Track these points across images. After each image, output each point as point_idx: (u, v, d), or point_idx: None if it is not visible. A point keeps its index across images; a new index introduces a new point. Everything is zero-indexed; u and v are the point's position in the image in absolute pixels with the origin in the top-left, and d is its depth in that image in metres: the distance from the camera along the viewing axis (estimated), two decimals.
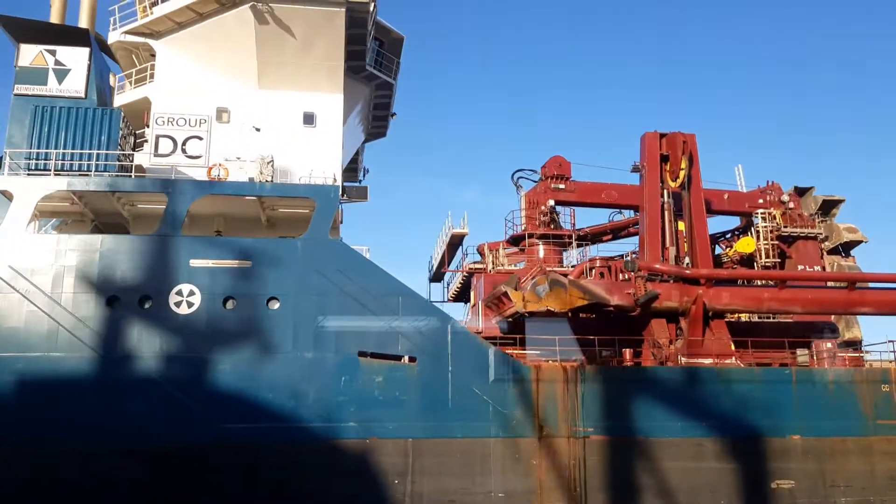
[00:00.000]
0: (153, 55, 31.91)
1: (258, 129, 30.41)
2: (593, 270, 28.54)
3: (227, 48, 30.56)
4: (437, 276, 37.96)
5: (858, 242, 35.11)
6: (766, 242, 34.41)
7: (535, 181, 35.13)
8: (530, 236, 33.25)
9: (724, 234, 38.08)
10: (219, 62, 30.95)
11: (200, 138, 29.94)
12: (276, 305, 24.70)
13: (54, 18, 34.17)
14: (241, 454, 23.00)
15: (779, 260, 34.24)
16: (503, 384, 25.15)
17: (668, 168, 31.02)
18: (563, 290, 26.44)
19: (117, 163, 26.62)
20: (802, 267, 34.12)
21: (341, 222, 30.78)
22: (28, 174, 25.63)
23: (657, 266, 28.79)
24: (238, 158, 28.76)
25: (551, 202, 33.91)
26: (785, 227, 34.66)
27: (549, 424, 25.00)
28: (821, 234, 34.74)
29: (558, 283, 26.54)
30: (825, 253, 35.47)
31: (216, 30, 30.24)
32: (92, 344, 23.35)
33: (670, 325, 29.00)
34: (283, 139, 30.97)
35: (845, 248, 35.10)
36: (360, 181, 48.08)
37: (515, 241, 34.17)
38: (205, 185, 26.02)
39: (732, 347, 28.93)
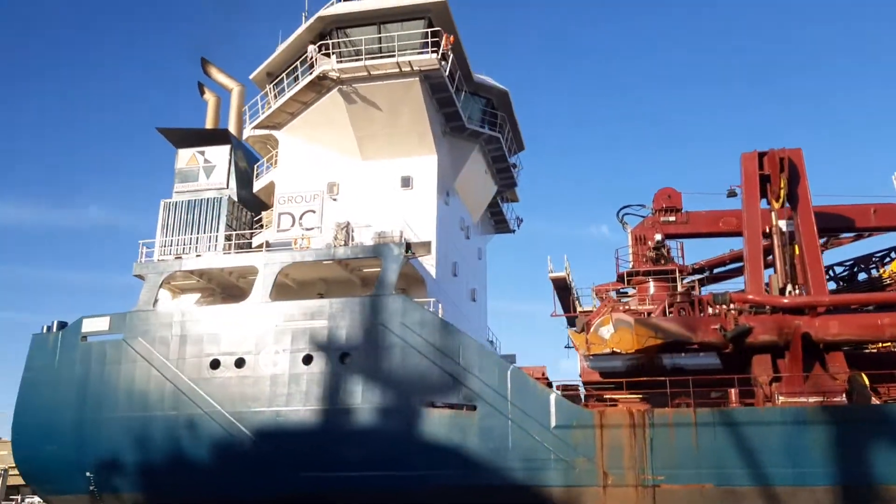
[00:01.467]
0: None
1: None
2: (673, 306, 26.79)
3: (330, 128, 33.96)
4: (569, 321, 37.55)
5: None
6: None
7: (642, 216, 33.78)
8: (634, 274, 31.93)
9: (885, 252, 33.33)
10: (327, 142, 34.43)
11: (314, 211, 33.54)
12: (347, 360, 26.67)
13: (209, 120, 40.47)
14: None
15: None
16: (566, 430, 24.57)
17: (771, 189, 28.42)
18: (628, 330, 25.29)
19: (224, 242, 30.73)
20: None
21: (431, 272, 31.96)
22: (158, 260, 30.65)
23: (749, 296, 26.32)
24: (316, 228, 31.62)
25: (658, 236, 32.33)
26: None
27: (615, 472, 23.84)
28: None
29: (624, 322, 25.45)
30: None
31: (318, 114, 33.82)
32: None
33: (781, 360, 26.22)
34: (385, 203, 33.39)
35: None
36: (514, 231, 49.50)
37: (624, 279, 32.97)
38: (286, 255, 29.07)
39: (866, 382, 25.38)
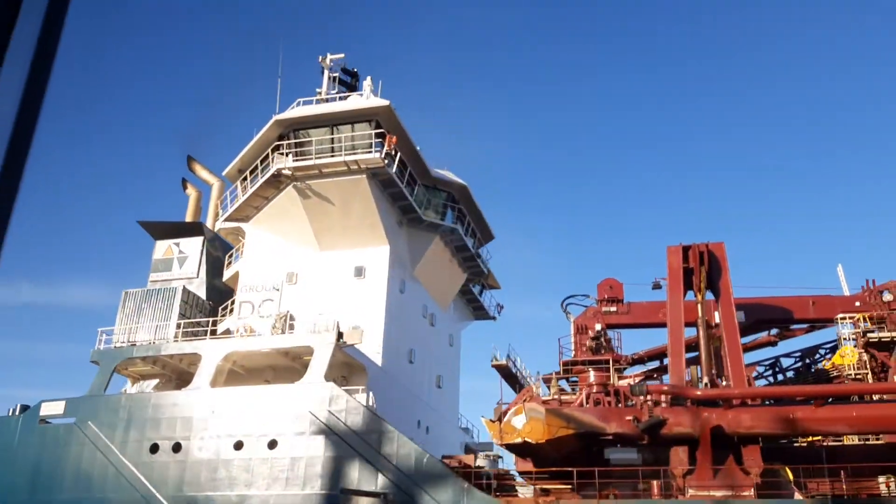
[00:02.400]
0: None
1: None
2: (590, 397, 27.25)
3: (289, 221, 35.93)
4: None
5: None
6: (851, 351, 29.62)
7: (586, 306, 34.51)
8: (574, 364, 32.44)
9: (833, 344, 33.30)
10: (287, 233, 36.35)
11: (272, 300, 35.16)
12: (276, 446, 27.61)
13: (190, 213, 42.93)
14: None
15: (866, 371, 29.12)
16: None
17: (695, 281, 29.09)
18: (540, 420, 25.80)
19: (176, 329, 32.38)
20: None
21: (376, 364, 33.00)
22: (115, 347, 32.38)
23: (664, 388, 26.71)
24: (262, 316, 33.10)
25: (598, 326, 32.96)
26: (874, 331, 29.61)
27: None
28: None
29: (535, 412, 26.00)
30: None
31: (278, 208, 35.89)
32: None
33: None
34: (339, 292, 34.87)
35: None
36: (494, 317, 50.50)
37: (567, 367, 33.47)
38: (227, 343, 30.51)
39: (790, 476, 25.34)
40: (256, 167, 36.01)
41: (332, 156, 33.41)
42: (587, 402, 27.44)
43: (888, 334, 29.38)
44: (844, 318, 30.43)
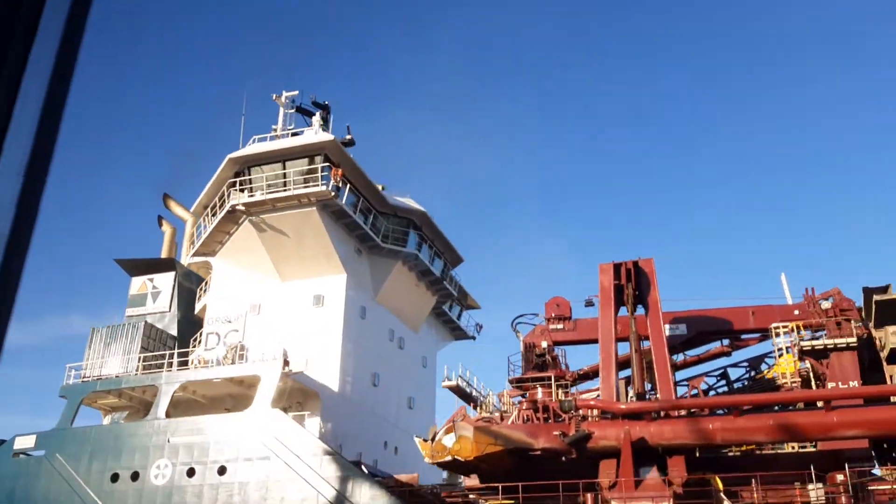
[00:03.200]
0: None
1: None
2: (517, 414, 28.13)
3: (250, 254, 37.47)
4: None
5: None
6: (787, 360, 30.10)
7: (535, 324, 35.38)
8: (521, 381, 33.31)
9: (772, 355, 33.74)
10: (250, 266, 37.87)
11: (237, 331, 36.67)
12: (226, 472, 28.92)
13: (165, 249, 44.72)
14: None
15: (800, 379, 29.55)
16: None
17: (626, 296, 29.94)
18: (468, 438, 26.76)
19: (139, 363, 33.94)
20: (834, 384, 28.96)
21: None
22: (82, 381, 34.03)
23: (590, 402, 27.54)
24: (227, 347, 34.53)
25: (544, 343, 33.82)
26: (807, 339, 30.05)
27: None
28: (852, 342, 29.33)
29: (464, 430, 26.96)
30: (885, 363, 29.68)
31: (239, 242, 37.47)
32: None
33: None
34: (300, 321, 36.24)
35: None
36: (473, 337, 51.54)
37: (517, 384, 34.32)
38: (180, 374, 31.99)
39: (720, 486, 25.98)
40: (215, 203, 37.63)
41: (284, 190, 34.87)
42: (518, 420, 28.32)
43: (820, 342, 29.81)
44: (778, 328, 30.91)
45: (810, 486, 25.77)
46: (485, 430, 27.11)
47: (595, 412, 28.05)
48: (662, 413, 26.88)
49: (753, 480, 24.74)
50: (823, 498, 25.51)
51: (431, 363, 47.16)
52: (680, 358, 36.30)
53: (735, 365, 34.79)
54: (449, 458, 26.80)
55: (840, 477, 25.49)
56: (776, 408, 27.32)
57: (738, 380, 34.75)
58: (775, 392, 28.79)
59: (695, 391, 34.06)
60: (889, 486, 25.69)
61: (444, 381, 34.64)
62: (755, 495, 25.84)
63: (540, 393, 32.47)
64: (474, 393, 35.57)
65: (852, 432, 24.79)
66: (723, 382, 35.13)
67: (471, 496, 30.08)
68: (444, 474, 36.82)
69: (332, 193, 34.29)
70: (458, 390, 34.70)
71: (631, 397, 28.18)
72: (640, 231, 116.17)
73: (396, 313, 41.74)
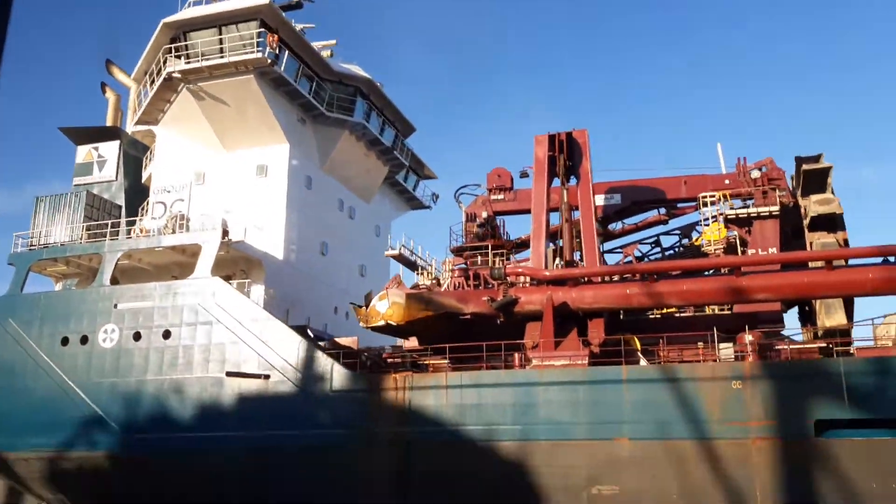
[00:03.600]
0: None
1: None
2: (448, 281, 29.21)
3: (191, 123, 37.15)
4: None
5: (832, 216, 29.88)
6: (714, 229, 31.12)
7: (477, 195, 35.98)
8: (462, 250, 34.28)
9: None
10: (192, 135, 37.64)
11: (183, 200, 36.92)
12: (170, 336, 30.11)
13: (110, 117, 44.07)
14: None
15: (723, 247, 30.71)
16: (344, 394, 27.54)
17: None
18: (400, 304, 27.89)
19: (83, 232, 34.36)
20: (754, 251, 30.17)
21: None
22: (28, 250, 34.51)
23: (518, 269, 28.62)
24: (154, 218, 34.98)
25: (485, 213, 34.55)
26: (733, 208, 30.98)
27: (381, 430, 26.72)
28: (774, 210, 30.28)
29: (397, 296, 28.06)
30: (807, 231, 30.82)
31: (179, 110, 37.04)
32: None
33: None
34: (244, 191, 36.54)
35: (819, 224, 30.13)
36: (429, 207, 52.16)
37: (459, 252, 35.32)
38: (122, 243, 32.54)
39: (637, 345, 27.52)
40: (153, 71, 36.86)
41: (220, 57, 34.16)
42: (451, 287, 29.44)
43: (744, 211, 30.76)
44: (706, 197, 31.73)
45: (722, 346, 27.37)
46: (416, 297, 28.23)
47: (524, 279, 29.20)
48: (585, 279, 28.03)
49: (661, 340, 26.19)
50: (732, 356, 27.12)
51: (385, 232, 47.95)
52: (619, 226, 37.35)
53: (668, 233, 35.93)
54: (382, 322, 28.01)
55: (749, 337, 27.07)
56: (707, 273, 28.31)
57: (671, 247, 35.99)
58: (699, 259, 29.89)
59: (628, 258, 35.30)
60: (796, 346, 27.37)
61: (387, 251, 35.53)
62: (665, 354, 27.47)
63: (481, 261, 33.56)
64: (419, 261, 36.57)
65: (760, 296, 26.10)
66: (657, 250, 36.40)
67: (412, 356, 31.55)
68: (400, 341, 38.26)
69: (269, 61, 33.66)
70: (401, 259, 35.67)
71: (559, 264, 29.23)
72: (586, 104, 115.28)
73: (346, 183, 42.02)
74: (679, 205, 36.03)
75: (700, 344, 26.26)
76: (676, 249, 35.72)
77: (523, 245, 35.46)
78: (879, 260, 25.48)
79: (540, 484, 24.55)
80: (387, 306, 28.11)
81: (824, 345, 26.93)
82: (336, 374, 27.83)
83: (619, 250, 36.03)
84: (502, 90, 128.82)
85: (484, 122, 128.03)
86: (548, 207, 30.20)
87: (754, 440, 23.01)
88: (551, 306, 27.24)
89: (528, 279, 29.12)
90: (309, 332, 32.37)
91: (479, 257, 34.04)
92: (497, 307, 28.09)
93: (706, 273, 28.79)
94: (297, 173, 37.11)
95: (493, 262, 32.32)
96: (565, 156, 29.79)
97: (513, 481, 24.77)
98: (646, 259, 35.86)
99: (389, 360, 31.32)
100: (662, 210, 36.37)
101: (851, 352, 25.85)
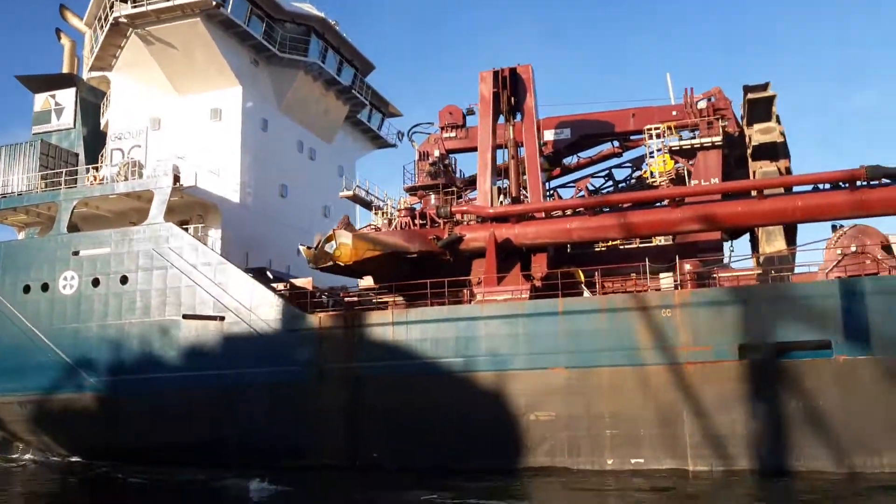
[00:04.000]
0: None
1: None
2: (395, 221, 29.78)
3: (143, 68, 37.02)
4: None
5: (773, 144, 30.33)
6: (658, 161, 31.58)
7: (430, 133, 36.19)
8: (415, 189, 34.67)
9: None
10: (146, 81, 37.54)
11: (140, 146, 37.12)
12: (128, 282, 30.81)
13: (66, 64, 43.78)
14: None
15: (672, 178, 31.22)
16: (292, 333, 28.43)
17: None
18: (348, 245, 28.49)
19: (39, 181, 34.64)
20: (696, 182, 30.67)
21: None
22: None
23: (463, 208, 29.19)
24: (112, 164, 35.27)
25: (437, 152, 34.83)
26: (682, 139, 31.33)
27: (330, 366, 27.70)
28: (717, 140, 30.66)
29: (344, 237, 28.63)
30: (750, 160, 31.29)
31: (130, 55, 36.88)
32: None
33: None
34: (199, 135, 36.71)
35: (762, 153, 30.60)
36: (395, 145, 52.29)
37: (412, 192, 35.75)
38: (76, 191, 32.91)
39: (581, 278, 28.30)
40: (101, 16, 36.53)
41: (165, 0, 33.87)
42: (400, 227, 30.03)
43: (687, 142, 31.14)
44: (650, 129, 32.05)
45: (662, 275, 28.15)
46: (363, 237, 28.82)
47: (471, 217, 29.77)
48: (530, 215, 28.60)
49: (597, 273, 26.94)
50: (672, 286, 27.90)
51: (350, 172, 48.16)
52: (574, 160, 37.74)
53: (620, 166, 36.34)
54: (330, 263, 28.66)
55: (687, 266, 27.86)
56: (659, 204, 28.71)
57: (623, 180, 36.46)
58: (636, 192, 30.45)
59: (581, 192, 35.84)
60: (733, 273, 28.16)
61: (341, 192, 35.94)
62: (610, 286, 28.28)
63: (433, 200, 34.03)
64: (376, 201, 37.02)
65: (694, 227, 26.77)
66: (610, 182, 36.89)
67: (369, 294, 32.30)
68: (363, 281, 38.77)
69: (214, 3, 33.40)
70: (357, 199, 36.12)
71: (503, 201, 29.74)
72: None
73: (305, 124, 42.10)
74: (632, 137, 36.32)
75: (633, 275, 27.00)
76: (629, 182, 36.19)
77: (474, 183, 35.86)
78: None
79: (481, 413, 25.64)
80: (334, 247, 28.71)
81: (761, 272, 27.79)
82: (287, 315, 28.64)
83: (572, 184, 36.55)
84: (476, 24, 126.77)
85: (455, 59, 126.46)
86: (493, 145, 30.53)
87: (683, 365, 24.00)
88: (493, 243, 27.91)
89: (474, 217, 29.69)
90: (269, 273, 33.09)
91: (433, 196, 34.53)
92: (442, 245, 28.77)
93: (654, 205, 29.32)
94: (251, 116, 37.21)
95: (443, 201, 32.80)
96: (508, 92, 29.96)
97: (456, 411, 25.84)
98: (601, 192, 36.37)
99: (346, 300, 32.16)
100: (616, 143, 36.70)
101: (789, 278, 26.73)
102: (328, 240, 29.00)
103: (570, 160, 37.44)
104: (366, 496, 23.53)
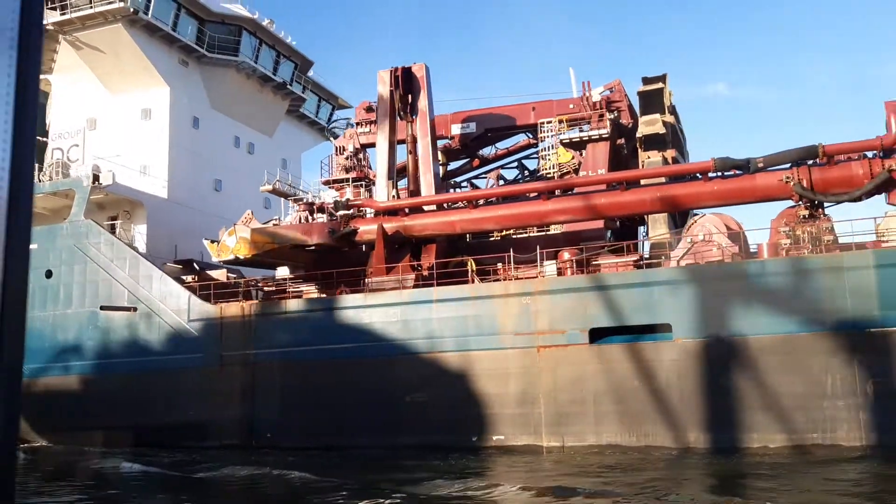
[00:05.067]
0: None
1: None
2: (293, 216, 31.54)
3: (77, 71, 38.93)
4: None
5: (657, 136, 31.68)
6: (554, 154, 33.07)
7: (348, 127, 37.84)
8: (330, 183, 36.37)
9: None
10: (82, 83, 39.44)
11: (78, 145, 39.09)
12: (52, 276, 32.85)
13: None
14: None
15: (560, 170, 32.71)
16: (198, 323, 30.37)
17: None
18: (246, 240, 30.31)
19: None
20: (585, 173, 32.13)
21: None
22: None
23: (357, 202, 30.88)
24: (69, 161, 37.22)
25: (351, 147, 36.48)
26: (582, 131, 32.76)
27: (229, 353, 29.63)
28: (604, 133, 32.05)
29: (243, 231, 30.45)
30: (640, 150, 32.68)
31: (64, 59, 38.76)
32: None
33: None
34: (130, 135, 38.60)
35: (652, 143, 31.98)
36: (332, 138, 53.90)
37: (329, 185, 37.43)
38: None
39: (473, 266, 29.94)
40: None
41: (88, 7, 35.62)
42: (299, 220, 31.79)
43: (577, 135, 32.58)
44: (544, 123, 33.49)
45: (547, 263, 29.71)
46: (261, 231, 30.63)
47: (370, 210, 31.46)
48: (420, 208, 30.25)
49: (469, 262, 28.54)
50: (556, 272, 29.45)
51: (295, 164, 49.93)
52: (493, 151, 39.31)
53: (529, 157, 37.87)
54: (231, 256, 30.52)
55: (566, 255, 29.40)
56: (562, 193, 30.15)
57: (533, 171, 37.97)
58: (514, 185, 31.99)
59: (491, 182, 37.42)
60: (612, 261, 29.66)
61: (262, 187, 37.70)
62: (503, 273, 29.90)
63: (349, 193, 35.75)
64: (300, 194, 38.76)
65: (564, 217, 28.31)
66: (523, 174, 38.44)
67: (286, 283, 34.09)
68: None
69: (132, 10, 35.12)
70: (277, 192, 37.91)
71: (394, 195, 31.34)
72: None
73: (242, 120, 43.83)
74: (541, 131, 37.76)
75: (499, 265, 28.58)
76: (536, 173, 37.70)
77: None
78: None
79: (362, 394, 27.46)
80: (234, 241, 30.55)
81: (637, 258, 29.28)
82: (193, 305, 30.57)
83: (484, 176, 38.15)
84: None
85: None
86: (391, 141, 32.17)
87: (538, 348, 25.66)
88: (382, 234, 29.59)
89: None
90: (195, 265, 35.01)
91: (350, 189, 36.25)
92: (337, 237, 30.51)
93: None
94: (180, 114, 39.00)
95: (356, 194, 34.48)
96: (401, 91, 31.49)
97: (342, 391, 27.68)
98: (516, 181, 37.88)
99: (265, 289, 34.01)
100: (530, 135, 38.16)
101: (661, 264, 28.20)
102: (229, 234, 30.84)
103: (489, 151, 39.04)
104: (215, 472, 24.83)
